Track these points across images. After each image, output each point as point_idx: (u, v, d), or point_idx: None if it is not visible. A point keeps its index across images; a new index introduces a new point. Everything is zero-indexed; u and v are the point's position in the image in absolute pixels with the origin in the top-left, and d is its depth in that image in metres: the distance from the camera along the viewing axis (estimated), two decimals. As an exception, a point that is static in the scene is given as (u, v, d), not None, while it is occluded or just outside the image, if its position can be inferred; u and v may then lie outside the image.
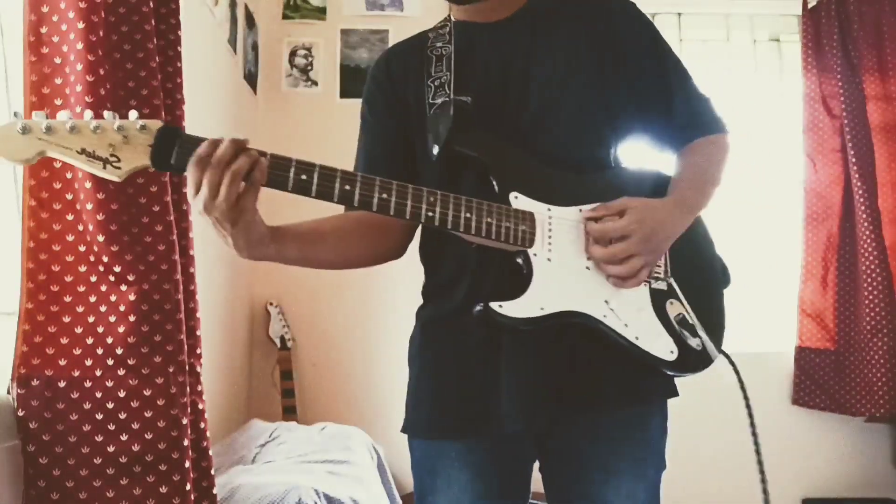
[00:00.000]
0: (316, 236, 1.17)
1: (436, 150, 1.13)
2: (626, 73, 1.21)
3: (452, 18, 1.27)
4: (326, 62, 3.20)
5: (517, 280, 1.08)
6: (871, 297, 3.00)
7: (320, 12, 3.22)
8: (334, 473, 2.13)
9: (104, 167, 0.91)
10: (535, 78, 1.19)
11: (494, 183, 1.11)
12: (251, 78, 3.02)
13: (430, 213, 1.03)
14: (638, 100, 1.23)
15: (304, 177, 0.98)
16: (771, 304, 3.26)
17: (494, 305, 1.05)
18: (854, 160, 3.06)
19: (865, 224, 3.02)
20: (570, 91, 1.19)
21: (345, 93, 3.19)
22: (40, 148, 0.90)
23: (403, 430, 1.23)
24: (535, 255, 1.09)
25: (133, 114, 0.94)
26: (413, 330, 1.28)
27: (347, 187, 1.00)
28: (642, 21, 1.26)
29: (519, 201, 1.10)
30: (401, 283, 3.17)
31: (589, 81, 1.20)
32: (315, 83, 3.19)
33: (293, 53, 3.20)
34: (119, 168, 0.92)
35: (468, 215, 1.05)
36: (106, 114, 0.92)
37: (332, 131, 2.79)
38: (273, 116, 3.12)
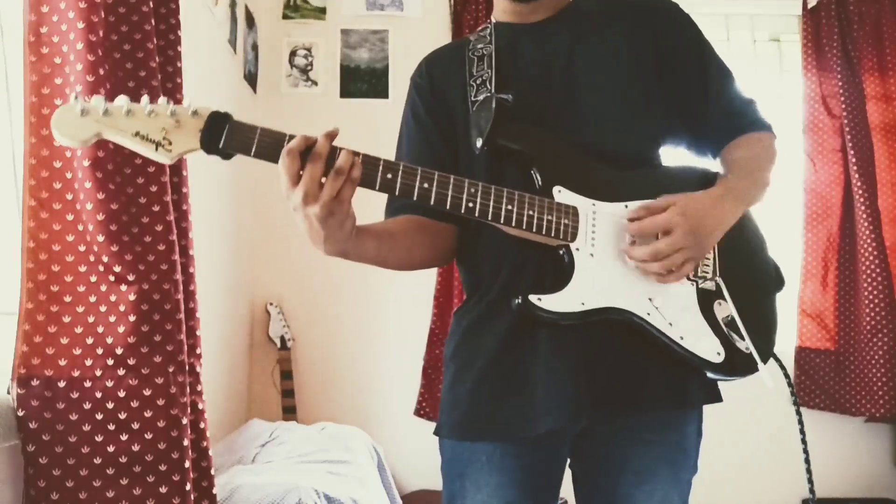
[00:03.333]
0: (389, 235, 1.16)
1: (479, 142, 1.12)
2: (667, 73, 1.21)
3: (493, 20, 1.29)
4: (326, 62, 3.20)
5: (558, 274, 1.08)
6: (871, 297, 3.00)
7: (320, 12, 3.22)
8: (334, 473, 2.13)
9: (156, 149, 0.95)
10: (579, 75, 1.19)
11: (538, 176, 1.10)
12: (251, 78, 3.02)
13: (471, 204, 1.03)
14: (679, 100, 1.22)
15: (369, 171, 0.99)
16: (771, 304, 3.26)
17: (533, 298, 1.04)
18: (854, 160, 3.06)
19: (865, 224, 3.02)
20: (612, 89, 1.19)
21: (345, 93, 3.19)
22: (97, 129, 0.93)
23: (436, 432, 1.21)
24: (577, 249, 1.08)
25: (187, 101, 0.98)
26: (450, 330, 1.27)
27: (389, 176, 1.00)
28: (686, 22, 1.26)
29: (563, 195, 1.09)
30: (401, 284, 3.17)
31: (631, 80, 1.20)
32: (315, 83, 3.19)
33: (293, 53, 3.20)
34: (170, 151, 0.95)
35: (509, 207, 1.04)
36: (161, 100, 0.96)
37: (332, 131, 2.79)
38: (273, 116, 3.12)
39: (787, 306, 3.16)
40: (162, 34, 1.69)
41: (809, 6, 3.20)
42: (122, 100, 0.95)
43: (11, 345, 1.40)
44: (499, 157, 1.13)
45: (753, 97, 1.28)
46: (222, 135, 0.96)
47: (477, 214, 1.04)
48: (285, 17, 3.22)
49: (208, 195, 2.40)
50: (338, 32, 3.21)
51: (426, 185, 1.01)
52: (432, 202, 1.01)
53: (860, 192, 3.04)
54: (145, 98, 0.96)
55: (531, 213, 1.05)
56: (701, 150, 1.27)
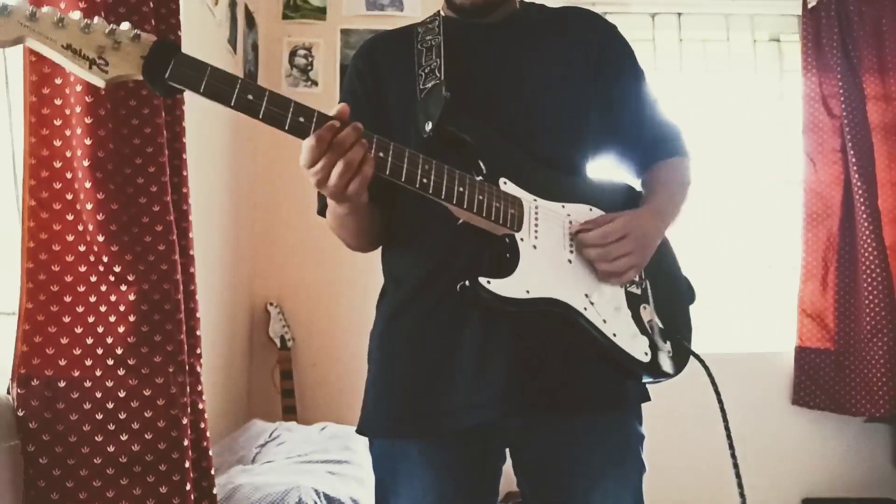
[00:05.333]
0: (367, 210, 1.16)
1: (429, 126, 1.11)
2: (604, 88, 1.26)
3: (442, 13, 1.29)
4: (326, 62, 3.20)
5: (496, 264, 1.08)
6: (871, 297, 2.99)
7: (320, 12, 3.22)
8: (334, 473, 2.13)
9: (90, 67, 0.86)
10: (525, 78, 1.22)
11: (483, 167, 1.11)
12: (251, 78, 3.02)
13: (425, 180, 1.02)
14: (611, 115, 1.27)
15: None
16: (771, 304, 3.26)
17: (483, 280, 1.03)
18: (854, 160, 3.06)
19: (865, 224, 3.02)
20: (555, 95, 1.23)
21: (345, 93, 3.18)
22: (20, 33, 0.83)
23: (360, 430, 1.20)
24: (521, 239, 1.09)
25: (127, 24, 0.89)
26: (373, 324, 1.25)
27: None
28: (623, 43, 1.32)
29: (508, 187, 1.11)
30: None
31: (573, 89, 1.24)
32: (315, 83, 3.19)
33: (293, 53, 3.20)
34: (106, 72, 0.86)
35: (461, 189, 1.04)
36: (97, 18, 0.88)
37: (332, 131, 2.79)
38: (273, 116, 3.11)
39: (787, 306, 3.16)
40: (162, 34, 1.69)
41: (809, 6, 3.19)
42: (50, 8, 0.86)
43: (11, 345, 1.40)
44: (442, 145, 1.12)
45: (676, 122, 1.34)
46: (168, 65, 0.89)
47: (431, 191, 1.02)
48: (285, 17, 3.22)
49: (208, 195, 2.40)
50: (338, 32, 3.21)
51: (381, 154, 0.99)
52: (387, 172, 0.99)
53: (860, 192, 3.04)
54: (78, 13, 0.88)
55: (481, 197, 1.06)
56: (624, 164, 1.33)
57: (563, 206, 1.15)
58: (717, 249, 3.25)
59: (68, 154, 1.45)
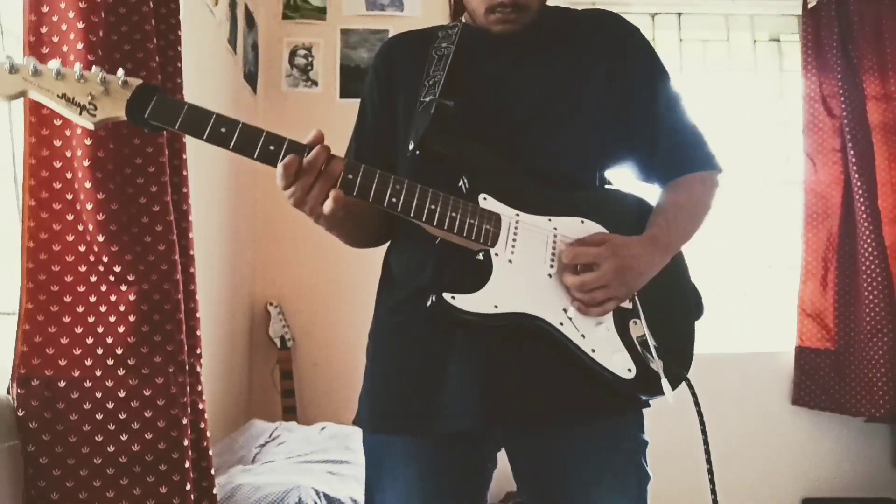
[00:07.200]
0: (356, 207, 1.17)
1: (411, 146, 1.14)
2: (619, 100, 1.23)
3: (463, 20, 1.29)
4: (326, 62, 3.20)
5: (477, 278, 1.09)
6: (871, 297, 2.99)
7: (320, 12, 3.22)
8: (334, 473, 2.13)
9: (80, 113, 0.97)
10: (527, 91, 1.21)
11: (465, 182, 1.12)
12: (251, 78, 3.02)
13: (394, 199, 1.05)
14: (627, 127, 1.24)
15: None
16: (771, 304, 3.26)
17: (447, 296, 1.05)
18: (854, 160, 3.06)
19: (865, 224, 3.02)
20: (557, 109, 1.21)
21: (345, 93, 3.18)
22: (23, 87, 0.96)
23: (354, 421, 1.23)
24: (496, 254, 1.09)
25: (120, 71, 0.99)
26: (372, 319, 1.27)
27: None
28: (646, 49, 1.28)
29: (488, 202, 1.11)
30: (401, 283, 3.17)
31: (579, 101, 1.22)
32: (315, 83, 3.19)
33: (293, 53, 3.20)
34: (94, 116, 0.98)
35: (433, 207, 1.06)
36: (94, 68, 0.99)
37: (332, 131, 2.75)
38: (273, 116, 3.12)
39: (787, 306, 3.16)
40: (162, 34, 1.69)
41: (809, 6, 3.19)
42: (54, 63, 0.97)
43: (11, 345, 1.40)
44: (430, 161, 1.14)
45: (702, 129, 1.29)
46: (149, 105, 0.99)
47: (400, 210, 1.05)
48: (285, 17, 3.22)
49: (208, 195, 2.40)
50: (338, 32, 3.21)
51: (350, 176, 1.03)
52: (355, 192, 1.03)
53: (860, 192, 3.04)
54: (78, 64, 0.99)
55: (454, 214, 1.07)
56: (648, 178, 1.28)
57: (550, 220, 1.14)
58: (718, 249, 3.25)
59: (68, 154, 1.45)
